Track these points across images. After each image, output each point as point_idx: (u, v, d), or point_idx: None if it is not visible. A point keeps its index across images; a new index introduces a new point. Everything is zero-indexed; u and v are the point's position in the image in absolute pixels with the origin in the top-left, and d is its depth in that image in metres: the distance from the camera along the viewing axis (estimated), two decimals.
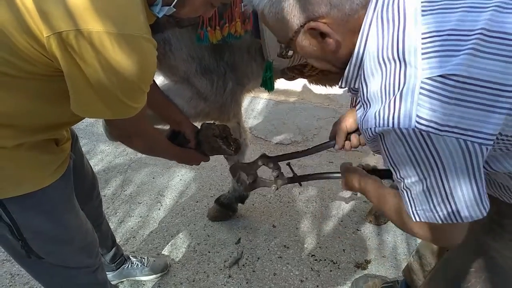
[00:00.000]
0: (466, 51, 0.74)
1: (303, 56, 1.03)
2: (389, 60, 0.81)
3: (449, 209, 0.81)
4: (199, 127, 1.50)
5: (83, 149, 1.53)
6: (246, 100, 3.90)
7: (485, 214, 0.80)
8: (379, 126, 0.80)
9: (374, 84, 0.85)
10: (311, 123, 3.60)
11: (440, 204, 0.81)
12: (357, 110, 0.94)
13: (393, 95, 0.78)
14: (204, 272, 2.03)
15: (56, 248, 1.16)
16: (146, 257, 2.01)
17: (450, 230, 0.87)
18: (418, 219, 0.86)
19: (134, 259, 1.97)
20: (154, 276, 1.98)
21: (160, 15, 1.00)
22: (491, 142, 0.75)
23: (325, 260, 2.11)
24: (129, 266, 1.95)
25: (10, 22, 0.81)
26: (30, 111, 0.95)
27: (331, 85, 1.90)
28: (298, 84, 4.03)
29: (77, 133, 1.45)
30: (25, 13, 0.80)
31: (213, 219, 2.40)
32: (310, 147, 1.45)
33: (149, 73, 0.93)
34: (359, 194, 2.60)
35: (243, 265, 2.07)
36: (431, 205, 0.82)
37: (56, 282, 1.27)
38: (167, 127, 1.54)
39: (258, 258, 2.11)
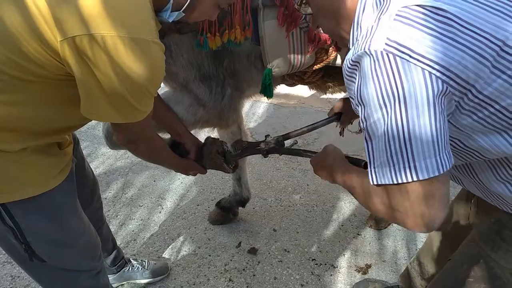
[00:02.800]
0: None
1: (314, 7, 1.04)
2: (381, 1, 0.85)
3: (406, 156, 0.76)
4: (198, 134, 1.52)
5: (84, 151, 1.54)
6: (247, 104, 3.91)
7: (442, 171, 0.75)
8: (356, 52, 0.81)
9: (365, 25, 0.88)
10: None
11: (397, 151, 0.77)
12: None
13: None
14: (205, 275, 2.04)
15: (59, 251, 1.17)
16: (146, 260, 2.01)
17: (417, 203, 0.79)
18: (374, 180, 0.83)
19: (135, 262, 1.98)
20: (154, 279, 1.98)
21: (170, 20, 1.01)
22: (456, 86, 0.75)
23: (325, 264, 2.11)
24: (130, 269, 1.95)
25: (23, 25, 0.82)
26: (36, 115, 0.96)
27: (331, 92, 1.91)
28: (299, 88, 4.04)
29: (79, 136, 1.46)
30: (39, 17, 0.81)
31: (214, 223, 2.40)
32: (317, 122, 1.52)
33: (159, 77, 0.94)
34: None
35: (244, 269, 2.07)
36: (389, 154, 0.78)
37: (58, 285, 1.27)
38: (166, 135, 1.55)
39: (259, 262, 2.12)
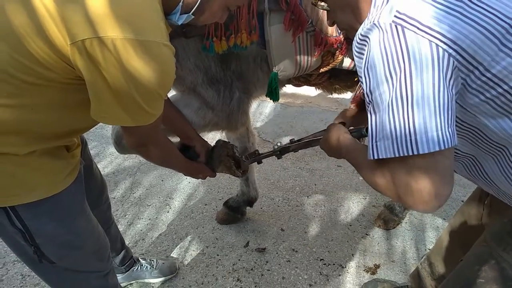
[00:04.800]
0: None
1: (331, 1, 1.05)
2: None
3: (408, 129, 0.75)
4: (207, 137, 1.54)
5: (92, 151, 1.55)
6: (254, 104, 3.89)
7: (443, 147, 0.74)
8: (365, 26, 0.83)
9: (377, 3, 0.88)
10: (319, 127, 3.60)
11: (400, 123, 0.76)
12: None
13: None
14: (213, 275, 2.04)
15: (68, 252, 1.17)
16: (155, 260, 2.02)
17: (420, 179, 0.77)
18: (375, 155, 0.81)
19: (144, 261, 1.99)
20: (163, 278, 1.98)
21: (179, 23, 1.01)
22: (463, 61, 0.75)
23: (334, 264, 2.10)
24: (139, 268, 1.96)
25: (31, 26, 0.82)
26: (45, 118, 0.96)
27: (338, 93, 1.90)
28: (306, 87, 4.03)
29: (87, 136, 1.47)
30: (48, 18, 0.81)
31: (221, 222, 2.41)
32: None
33: (169, 80, 0.94)
34: (367, 199, 2.60)
35: (252, 268, 2.07)
36: (392, 126, 0.77)
37: (67, 286, 1.28)
38: (176, 139, 1.56)
39: (267, 262, 2.11)
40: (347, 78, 1.68)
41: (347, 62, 1.53)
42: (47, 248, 1.11)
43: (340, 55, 1.50)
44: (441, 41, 0.74)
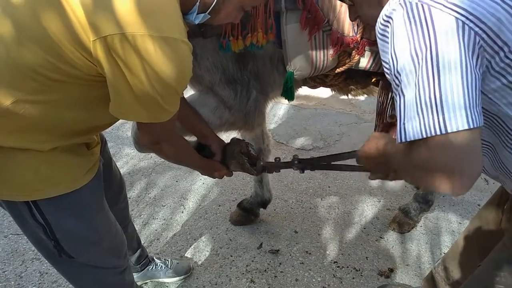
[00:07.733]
0: None
1: None
2: None
3: (435, 107, 0.72)
4: (224, 137, 1.54)
5: None
6: (268, 105, 3.92)
7: (471, 126, 0.71)
8: (390, 7, 0.83)
9: None
10: (333, 129, 3.59)
11: (427, 103, 0.73)
12: None
13: None
14: (227, 275, 2.05)
15: (87, 248, 1.20)
16: (169, 259, 2.04)
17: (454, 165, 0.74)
18: (403, 137, 0.78)
19: (158, 261, 2.01)
20: (177, 278, 2.01)
21: (196, 22, 1.04)
22: (489, 40, 0.75)
23: (347, 267, 2.09)
24: (154, 267, 1.99)
25: (60, 29, 0.85)
26: (67, 115, 0.99)
27: (353, 95, 1.90)
28: (320, 89, 4.03)
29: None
30: (75, 20, 0.84)
31: (235, 223, 2.42)
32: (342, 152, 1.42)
33: (186, 77, 0.96)
34: (382, 201, 2.58)
35: (265, 270, 2.08)
36: (419, 106, 0.74)
37: (85, 281, 1.30)
38: (193, 139, 1.57)
39: (280, 264, 2.12)
40: (363, 80, 1.67)
41: (363, 63, 1.53)
42: (66, 243, 1.14)
43: (356, 55, 1.50)
44: (467, 18, 0.74)
